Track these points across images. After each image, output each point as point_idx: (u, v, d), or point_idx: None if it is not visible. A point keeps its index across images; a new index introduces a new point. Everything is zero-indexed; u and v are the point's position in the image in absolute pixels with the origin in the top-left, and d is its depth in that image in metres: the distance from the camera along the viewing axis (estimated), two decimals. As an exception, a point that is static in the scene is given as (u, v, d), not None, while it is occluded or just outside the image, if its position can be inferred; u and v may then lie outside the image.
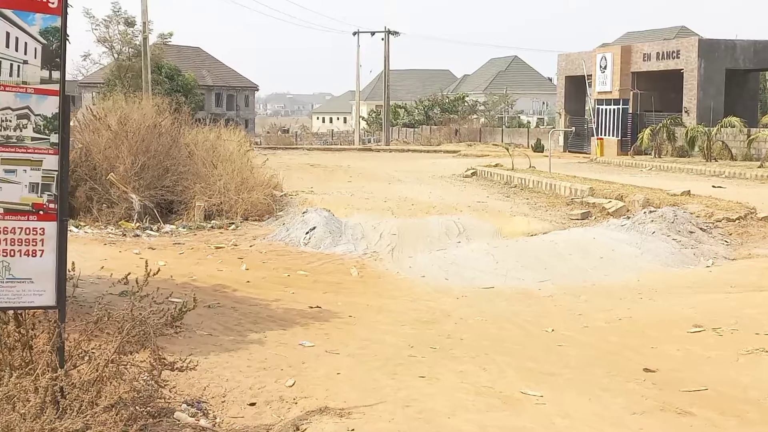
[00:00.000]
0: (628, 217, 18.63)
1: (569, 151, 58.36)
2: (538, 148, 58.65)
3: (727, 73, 50.36)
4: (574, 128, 58.36)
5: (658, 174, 38.44)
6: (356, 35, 76.12)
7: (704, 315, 12.14)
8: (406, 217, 22.37)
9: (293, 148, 65.47)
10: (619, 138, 54.52)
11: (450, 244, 18.51)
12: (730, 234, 18.67)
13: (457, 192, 29.78)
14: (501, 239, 19.04)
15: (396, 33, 74.19)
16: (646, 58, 53.94)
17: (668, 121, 47.74)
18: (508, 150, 37.46)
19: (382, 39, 74.58)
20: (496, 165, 36.02)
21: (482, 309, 13.14)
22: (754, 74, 56.29)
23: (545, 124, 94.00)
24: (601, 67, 56.71)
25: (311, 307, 12.80)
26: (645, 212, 18.28)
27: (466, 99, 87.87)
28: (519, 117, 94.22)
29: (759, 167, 36.57)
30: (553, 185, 27.39)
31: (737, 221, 19.70)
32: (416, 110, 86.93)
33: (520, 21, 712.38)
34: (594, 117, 57.75)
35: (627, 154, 50.83)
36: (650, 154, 48.01)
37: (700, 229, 17.81)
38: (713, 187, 29.46)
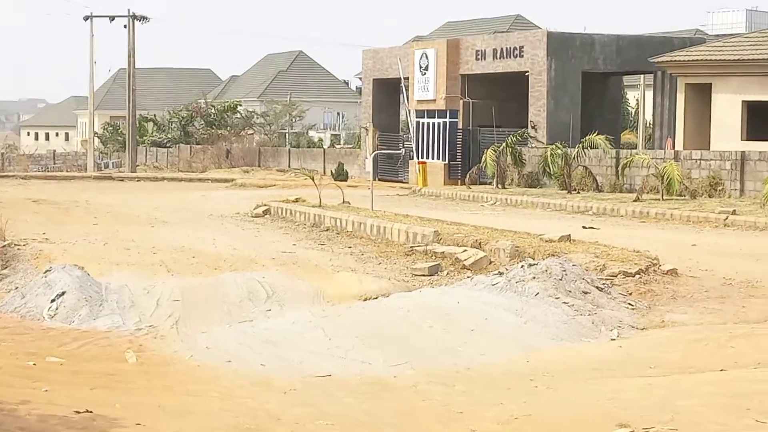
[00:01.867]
0: (501, 273, 18.55)
1: (380, 179, 58.70)
2: (341, 175, 58.91)
3: (583, 77, 51.97)
4: (403, 149, 58.95)
5: (506, 210, 39.16)
6: (89, 20, 74.84)
7: (628, 410, 12.00)
8: (189, 275, 21.79)
9: (1, 176, 63.79)
10: (446, 162, 55.37)
11: (257, 312, 18.02)
12: (631, 293, 18.89)
13: (250, 238, 29.26)
14: (327, 305, 18.65)
15: (144, 18, 73.31)
16: (479, 56, 55.13)
17: (513, 140, 48.62)
18: (314, 180, 37.24)
19: (125, 26, 73.54)
20: (297, 200, 35.75)
21: (323, 409, 12.60)
22: (615, 78, 58.55)
23: (342, 142, 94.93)
24: (421, 67, 57.51)
25: (78, 413, 11.92)
26: (523, 266, 18.25)
27: (239, 109, 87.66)
28: (307, 133, 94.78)
29: (635, 201, 37.72)
30: (383, 228, 27.23)
31: (637, 276, 19.99)
32: (171, 124, 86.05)
33: (303, 5, 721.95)
34: (413, 134, 58.42)
35: (457, 183, 51.78)
36: (491, 183, 48.89)
37: (596, 288, 17.92)
38: (584, 228, 30.05)
